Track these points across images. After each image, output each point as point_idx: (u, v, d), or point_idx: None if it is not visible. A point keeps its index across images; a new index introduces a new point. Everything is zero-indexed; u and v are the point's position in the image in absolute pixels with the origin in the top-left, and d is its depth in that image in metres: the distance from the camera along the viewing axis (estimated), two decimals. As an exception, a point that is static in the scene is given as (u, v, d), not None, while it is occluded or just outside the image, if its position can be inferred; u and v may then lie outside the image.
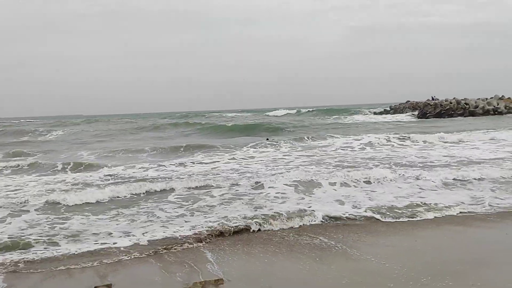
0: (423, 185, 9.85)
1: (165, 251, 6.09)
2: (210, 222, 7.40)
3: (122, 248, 6.26)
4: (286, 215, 7.61)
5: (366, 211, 7.89)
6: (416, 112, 44.50)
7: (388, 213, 7.83)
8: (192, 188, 10.23)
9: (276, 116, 59.66)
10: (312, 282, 4.96)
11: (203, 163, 14.77)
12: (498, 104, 41.74)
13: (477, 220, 7.30)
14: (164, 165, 14.28)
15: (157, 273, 5.34)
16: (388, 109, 52.62)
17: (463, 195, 8.95)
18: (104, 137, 32.52)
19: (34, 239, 6.73)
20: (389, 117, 45.24)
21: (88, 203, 9.06)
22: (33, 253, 6.18)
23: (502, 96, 44.73)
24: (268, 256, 5.85)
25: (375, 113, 53.15)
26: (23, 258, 5.94)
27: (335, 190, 9.67)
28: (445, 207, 8.08)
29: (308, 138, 22.28)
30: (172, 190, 10.07)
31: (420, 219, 7.49)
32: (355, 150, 17.23)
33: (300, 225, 7.21)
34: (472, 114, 40.77)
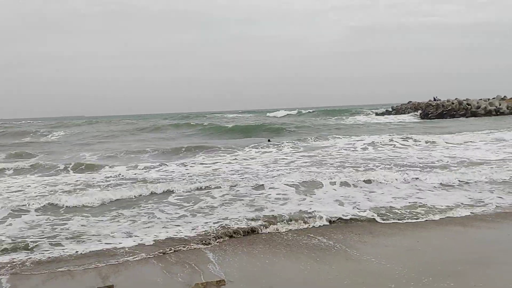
0: (424, 186, 9.85)
1: (167, 252, 6.10)
2: (211, 223, 7.41)
3: (123, 249, 6.28)
4: (287, 217, 7.60)
5: (366, 212, 7.89)
6: (418, 113, 44.47)
7: (388, 214, 7.83)
8: (193, 189, 10.23)
9: (277, 117, 59.67)
10: (313, 283, 4.96)
11: (205, 164, 14.78)
12: (500, 105, 41.69)
13: (478, 221, 7.30)
14: (165, 166, 14.29)
15: (159, 274, 5.36)
16: (390, 109, 52.59)
17: (462, 196, 8.95)
18: (106, 138, 32.58)
19: (35, 241, 6.75)
20: (391, 118, 45.23)
21: (88, 204, 9.05)
22: (34, 254, 6.19)
23: (504, 96, 44.67)
24: (269, 257, 5.86)
25: (377, 114, 53.12)
26: (24, 260, 5.96)
27: (336, 190, 9.66)
28: (445, 208, 8.08)
29: (309, 139, 22.28)
30: (173, 191, 10.07)
31: (421, 220, 7.48)
32: (357, 151, 17.23)
33: (304, 227, 7.21)
34: (474, 114, 40.74)
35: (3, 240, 6.79)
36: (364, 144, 18.87)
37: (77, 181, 12.24)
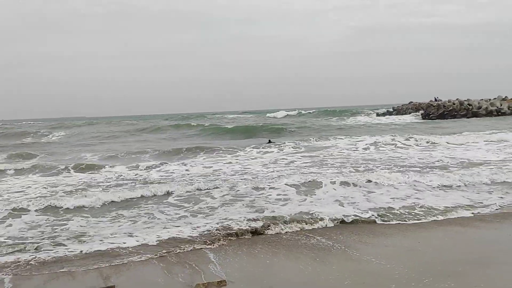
0: (423, 187, 9.84)
1: (168, 252, 6.11)
2: (211, 224, 7.42)
3: (124, 250, 6.29)
4: (288, 217, 7.61)
5: (366, 213, 7.90)
6: (419, 114, 44.44)
7: (388, 214, 7.84)
8: (193, 189, 10.23)
9: (279, 117, 59.65)
10: (314, 283, 4.97)
11: (205, 164, 14.79)
12: (501, 105, 41.63)
13: (477, 221, 7.30)
14: (166, 167, 14.31)
15: (160, 275, 5.36)
16: (391, 110, 52.56)
17: (462, 197, 8.97)
18: (106, 139, 32.62)
19: (35, 241, 6.76)
20: (392, 118, 45.19)
21: (89, 205, 9.04)
22: (34, 255, 6.21)
23: (505, 97, 44.58)
24: (269, 257, 5.86)
25: (378, 114, 53.09)
26: (25, 260, 5.97)
27: (336, 191, 9.66)
28: (444, 208, 8.09)
29: (310, 139, 22.30)
30: (173, 191, 10.07)
31: (421, 221, 7.48)
32: (358, 151, 17.23)
33: (304, 228, 7.21)
34: (475, 115, 40.70)
35: (4, 241, 6.81)
36: (365, 144, 18.89)
37: (78, 181, 12.26)
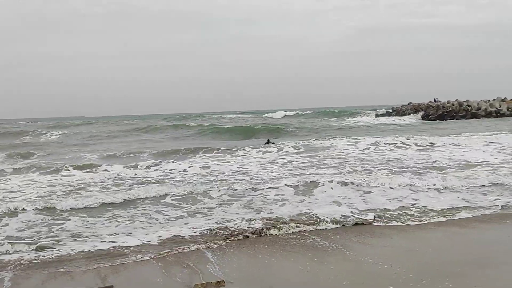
0: (420, 188, 9.82)
1: (166, 252, 6.10)
2: (209, 224, 7.42)
3: (122, 250, 6.28)
4: (286, 218, 7.60)
5: (364, 213, 7.89)
6: (419, 115, 44.47)
7: (386, 215, 7.83)
8: (191, 189, 10.20)
9: (276, 118, 59.67)
10: (312, 283, 4.96)
11: (203, 164, 14.77)
12: (500, 106, 41.67)
13: (476, 222, 7.31)
14: (164, 166, 14.28)
15: (158, 275, 5.35)
16: (390, 111, 52.59)
17: (461, 197, 8.97)
18: (105, 138, 32.62)
19: (33, 241, 6.75)
20: (391, 119, 45.22)
21: (87, 206, 9.01)
22: (32, 254, 6.19)
23: (505, 98, 44.62)
24: (268, 258, 5.85)
25: (377, 115, 53.11)
26: (23, 259, 5.96)
27: (334, 191, 9.64)
28: (443, 209, 8.09)
29: (309, 139, 22.31)
30: (171, 191, 10.04)
31: (420, 221, 7.47)
32: (357, 152, 17.23)
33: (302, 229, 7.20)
34: (475, 116, 40.74)
35: (2, 241, 6.78)
36: (365, 145, 18.87)
37: (76, 181, 12.23)
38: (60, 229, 7.42)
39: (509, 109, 41.15)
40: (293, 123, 39.91)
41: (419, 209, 8.10)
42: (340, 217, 7.59)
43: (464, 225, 7.15)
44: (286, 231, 6.99)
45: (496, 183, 10.10)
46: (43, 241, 6.72)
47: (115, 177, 12.71)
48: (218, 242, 6.51)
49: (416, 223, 7.38)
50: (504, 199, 8.67)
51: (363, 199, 8.98)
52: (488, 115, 40.64)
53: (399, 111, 50.01)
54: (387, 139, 20.15)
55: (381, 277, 5.01)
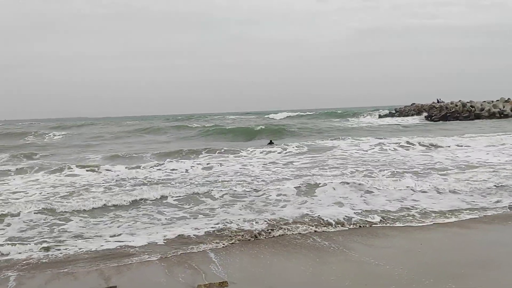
0: (423, 189, 9.79)
1: (169, 253, 6.12)
2: (212, 225, 7.43)
3: (126, 251, 6.30)
4: (289, 219, 7.60)
5: (366, 214, 7.89)
6: (422, 115, 44.39)
7: (388, 216, 7.83)
8: (194, 190, 10.19)
9: (279, 118, 59.66)
10: (315, 284, 4.97)
11: (206, 165, 14.78)
12: (504, 107, 41.54)
13: (478, 223, 7.30)
14: (166, 167, 14.31)
15: (162, 275, 5.37)
16: (393, 111, 52.52)
17: (463, 198, 8.95)
18: (108, 140, 32.69)
19: (34, 241, 6.77)
20: (395, 120, 45.17)
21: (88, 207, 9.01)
22: (33, 254, 6.22)
23: (508, 98, 44.43)
24: (270, 258, 5.86)
25: (380, 116, 53.04)
26: (26, 260, 5.99)
27: (337, 192, 9.64)
28: (445, 210, 8.09)
29: (312, 140, 22.29)
30: (174, 192, 10.03)
31: (422, 223, 7.46)
32: (359, 153, 17.22)
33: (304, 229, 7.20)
34: (478, 117, 40.61)
35: (5, 241, 6.82)
36: (368, 146, 18.86)
37: (79, 181, 12.27)
38: (63, 230, 7.45)
39: (513, 110, 41.00)
40: (296, 124, 39.88)
41: (420, 210, 8.10)
42: (343, 218, 7.59)
43: (466, 226, 7.14)
44: (289, 232, 7.00)
45: (498, 184, 10.07)
46: (46, 242, 6.74)
47: (118, 177, 12.74)
48: (221, 242, 6.52)
49: (418, 224, 7.37)
50: (506, 200, 8.64)
51: (364, 200, 8.97)
52: (492, 116, 40.51)
53: (402, 112, 49.93)
54: (391, 140, 20.13)
55: (383, 278, 5.01)
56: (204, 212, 8.42)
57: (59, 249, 6.40)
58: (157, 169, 14.03)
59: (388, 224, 7.40)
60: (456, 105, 42.74)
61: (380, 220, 7.57)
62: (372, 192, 9.63)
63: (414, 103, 50.27)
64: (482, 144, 18.43)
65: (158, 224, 7.66)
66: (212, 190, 10.17)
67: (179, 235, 6.91)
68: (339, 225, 7.33)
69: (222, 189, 10.18)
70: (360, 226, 7.30)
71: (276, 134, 30.07)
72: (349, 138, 22.18)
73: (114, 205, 9.06)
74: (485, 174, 11.16)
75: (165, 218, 8.04)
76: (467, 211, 8.01)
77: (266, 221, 7.50)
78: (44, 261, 5.96)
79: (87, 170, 14.12)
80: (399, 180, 10.57)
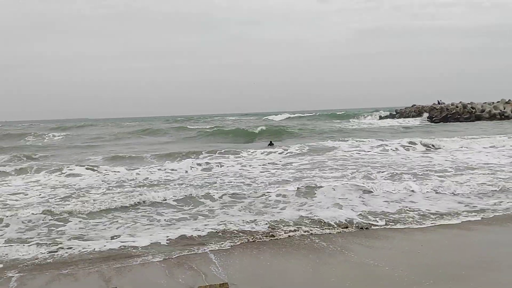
0: (422, 191, 9.79)
1: (169, 254, 6.12)
2: (212, 226, 7.42)
3: (126, 252, 6.30)
4: (289, 220, 7.60)
5: (366, 216, 7.88)
6: (423, 117, 44.42)
7: (388, 217, 7.83)
8: (193, 192, 10.18)
9: (279, 119, 59.67)
10: (316, 285, 4.98)
11: (206, 166, 14.78)
12: (504, 108, 41.57)
13: (479, 224, 7.30)
14: (166, 169, 14.31)
15: (162, 276, 5.37)
16: (394, 113, 52.54)
17: (463, 200, 8.95)
18: (108, 141, 32.71)
19: (33, 243, 6.76)
20: (396, 121, 45.21)
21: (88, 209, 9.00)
22: (33, 255, 6.22)
23: (509, 100, 44.48)
24: (271, 259, 5.86)
25: (380, 117, 53.06)
26: (26, 261, 5.99)
27: (336, 193, 9.62)
28: (445, 211, 8.09)
29: (312, 142, 22.29)
30: (173, 193, 10.03)
31: (422, 225, 7.46)
32: (360, 154, 17.22)
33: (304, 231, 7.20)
34: (479, 118, 40.64)
35: (5, 242, 6.81)
36: (369, 147, 18.87)
37: (79, 182, 12.27)
38: (62, 231, 7.44)
39: (514, 111, 41.01)
40: (296, 125, 39.90)
41: (419, 212, 8.09)
42: (343, 220, 7.59)
43: (466, 227, 7.14)
44: (288, 233, 7.00)
45: (499, 185, 10.07)
46: (45, 243, 6.74)
47: (118, 179, 12.74)
48: (221, 244, 6.52)
49: (418, 226, 7.37)
50: (506, 202, 8.64)
51: (364, 202, 8.97)
52: (492, 117, 40.54)
53: (402, 113, 49.96)
54: (392, 141, 20.12)
55: (383, 279, 5.01)
56: (203, 213, 8.42)
57: (59, 250, 6.39)
58: (157, 171, 14.03)
59: (388, 226, 7.40)
60: (457, 107, 42.75)
61: (380, 222, 7.57)
62: (372, 193, 9.63)
63: (415, 105, 50.30)
64: (483, 145, 18.44)
65: (157, 226, 7.64)
66: (211, 191, 10.16)
67: (179, 236, 6.90)
68: (339, 227, 7.33)
69: (222, 191, 10.18)
70: (360, 228, 7.30)
71: (277, 135, 30.09)
72: (350, 140, 22.19)
73: (114, 206, 9.06)
74: (485, 176, 11.14)
75: (165, 220, 8.04)
76: (467, 212, 8.00)
77: (266, 222, 7.50)
78: (44, 262, 5.96)
79: (87, 171, 14.13)
80: (399, 181, 10.57)
